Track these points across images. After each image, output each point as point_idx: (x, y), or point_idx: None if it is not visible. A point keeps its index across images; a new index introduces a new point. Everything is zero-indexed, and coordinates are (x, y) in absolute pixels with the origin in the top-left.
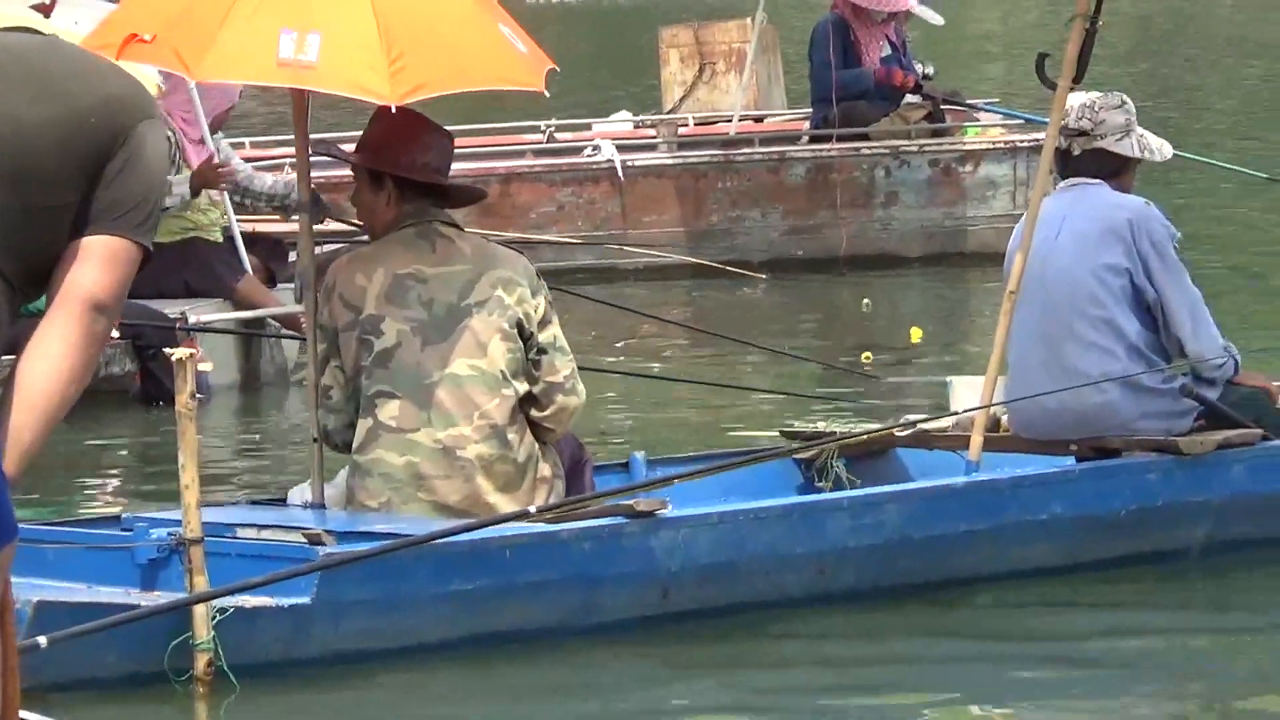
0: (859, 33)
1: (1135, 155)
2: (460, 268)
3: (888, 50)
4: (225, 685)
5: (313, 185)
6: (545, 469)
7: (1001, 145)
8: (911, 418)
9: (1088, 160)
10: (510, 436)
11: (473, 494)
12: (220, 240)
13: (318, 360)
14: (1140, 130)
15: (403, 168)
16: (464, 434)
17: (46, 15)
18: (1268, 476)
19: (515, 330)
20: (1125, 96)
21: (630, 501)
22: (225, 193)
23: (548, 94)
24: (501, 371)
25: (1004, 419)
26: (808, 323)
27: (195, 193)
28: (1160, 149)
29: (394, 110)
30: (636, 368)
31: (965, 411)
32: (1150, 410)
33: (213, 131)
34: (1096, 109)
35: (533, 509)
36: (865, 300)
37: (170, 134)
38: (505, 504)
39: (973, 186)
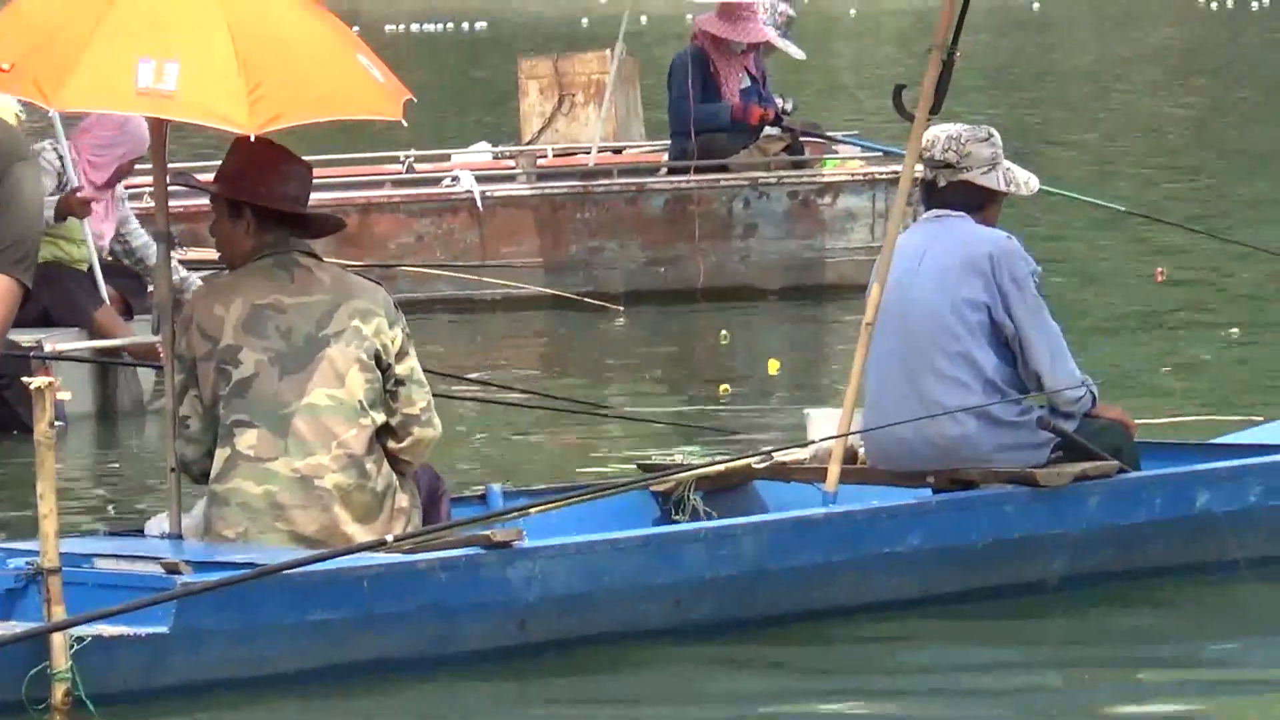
0: (718, 64)
1: (1001, 189)
2: (319, 298)
3: (747, 82)
4: (84, 715)
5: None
6: (403, 499)
7: (860, 177)
8: (768, 449)
9: (953, 192)
10: (368, 466)
11: (330, 524)
12: (84, 270)
13: (176, 390)
14: (1007, 163)
15: (261, 197)
16: (322, 463)
17: None
18: (1125, 508)
19: (373, 361)
20: (993, 129)
21: (487, 532)
22: (87, 225)
23: (405, 123)
24: (360, 402)
25: (861, 451)
26: (666, 354)
27: (59, 217)
28: (1027, 182)
29: (252, 140)
30: (494, 397)
31: (822, 440)
32: (1007, 442)
33: (117, 179)
34: (963, 141)
35: (390, 538)
36: (724, 332)
37: (55, 160)
38: (363, 534)
39: (831, 218)
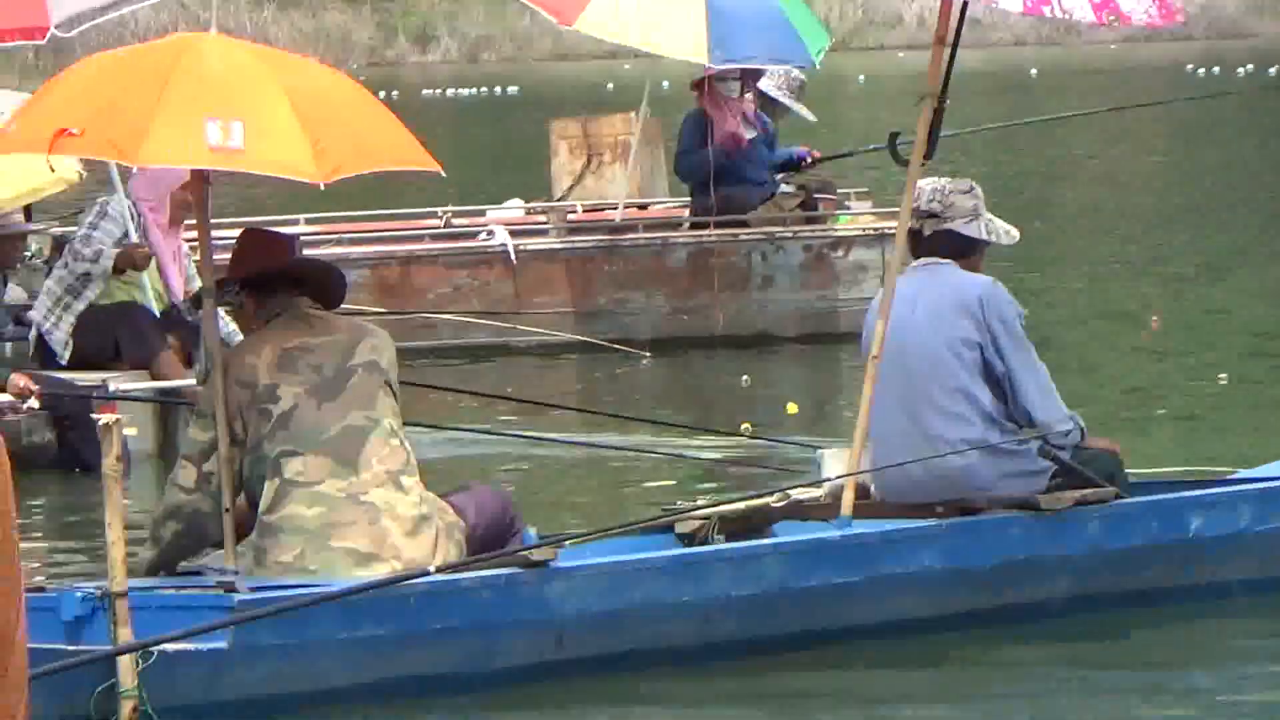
0: (716, 118)
1: (982, 238)
2: (339, 336)
3: (753, 132)
4: None
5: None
6: (449, 515)
7: (871, 232)
8: (785, 488)
9: (938, 241)
10: (405, 481)
11: (380, 537)
12: (156, 311)
13: (205, 445)
14: (988, 215)
15: (249, 268)
16: (365, 480)
17: None
18: (1123, 532)
19: (393, 390)
20: (974, 182)
21: (525, 550)
22: (145, 277)
23: (444, 174)
24: (389, 424)
25: (872, 488)
26: (690, 398)
27: (118, 270)
28: (1008, 232)
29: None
30: (530, 439)
31: (836, 479)
32: (1009, 471)
33: (178, 215)
34: (946, 192)
35: (432, 569)
36: (744, 376)
37: (121, 211)
38: (411, 546)
39: (844, 270)
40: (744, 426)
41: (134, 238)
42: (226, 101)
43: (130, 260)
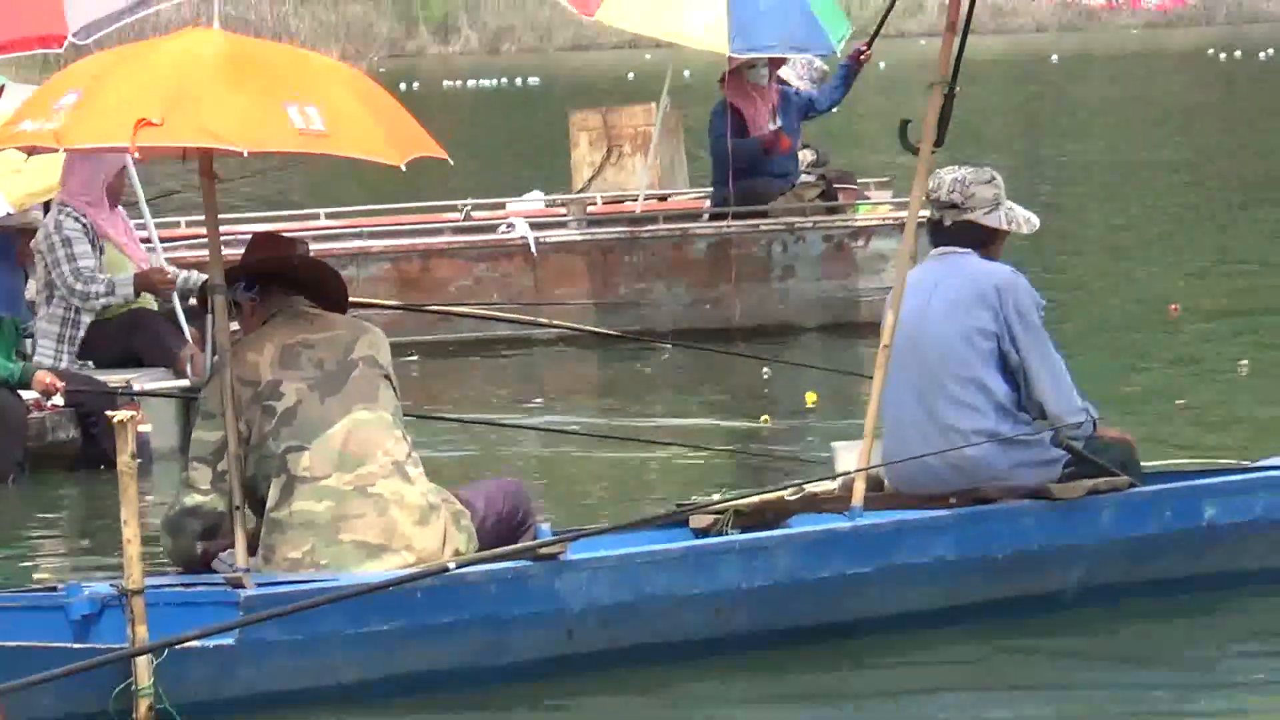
0: (744, 109)
1: (1003, 227)
2: (339, 332)
3: (777, 122)
4: None
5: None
6: (455, 504)
7: (890, 221)
8: (799, 481)
9: (958, 231)
10: (411, 471)
11: (390, 526)
12: (168, 314)
13: (215, 445)
14: (1009, 203)
15: (251, 268)
16: (372, 471)
17: None
18: (1137, 521)
19: (392, 384)
20: (994, 171)
21: (534, 544)
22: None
23: (451, 163)
24: (391, 416)
25: (885, 479)
26: (711, 388)
27: (137, 293)
28: (1029, 220)
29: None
30: (549, 431)
31: (850, 473)
32: (1022, 460)
33: (115, 201)
34: (967, 183)
35: (451, 565)
36: (765, 368)
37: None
38: (421, 535)
39: (864, 260)
40: (763, 419)
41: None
42: (296, 86)
43: (150, 284)
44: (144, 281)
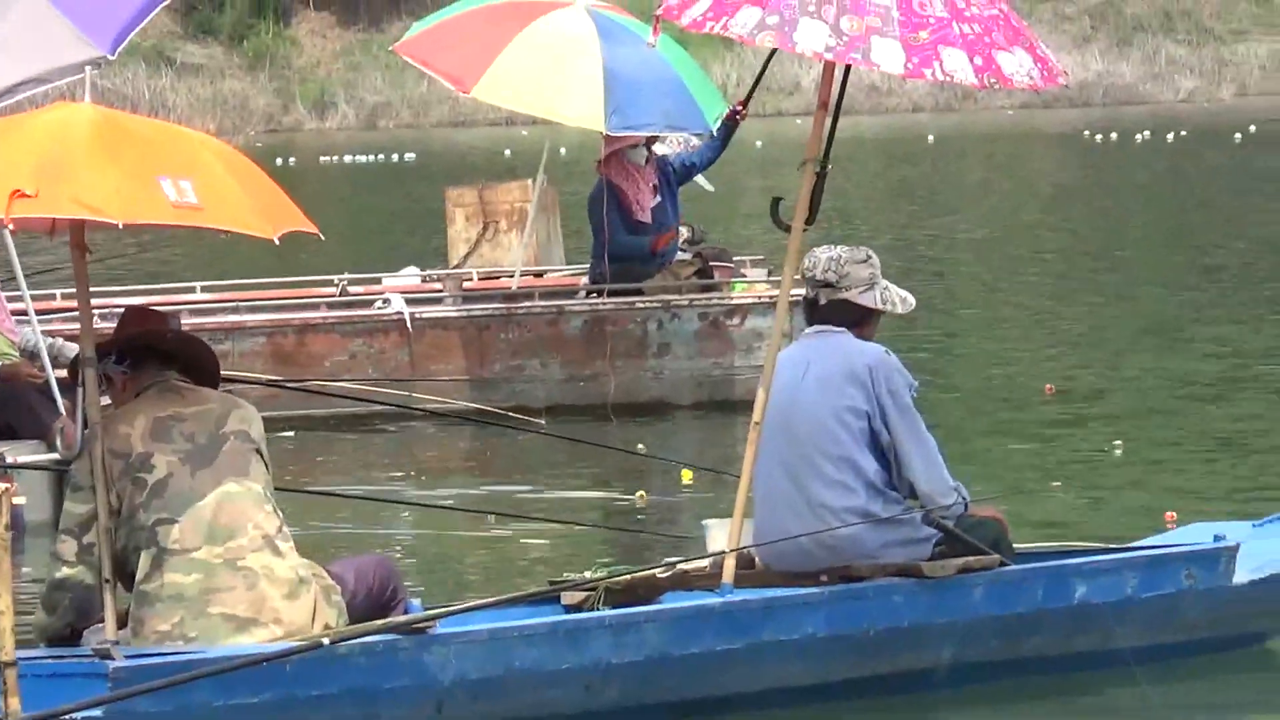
0: (625, 188)
1: (878, 307)
2: (210, 406)
3: (657, 198)
4: None
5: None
6: (326, 579)
7: (766, 299)
8: (672, 560)
9: (832, 310)
10: (281, 546)
11: (259, 600)
12: (42, 385)
13: (84, 517)
14: (884, 283)
15: (122, 340)
16: (242, 545)
17: None
18: (1008, 598)
19: (264, 459)
20: (870, 251)
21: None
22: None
23: (322, 236)
24: (262, 490)
25: (756, 557)
26: (586, 464)
27: (5, 381)
28: (904, 300)
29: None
30: (423, 507)
31: (722, 553)
32: (893, 539)
33: None
34: (842, 262)
35: (326, 640)
36: (640, 444)
37: None
38: (290, 609)
39: (739, 338)
40: (639, 495)
41: None
42: (170, 160)
43: (16, 376)
44: (10, 373)
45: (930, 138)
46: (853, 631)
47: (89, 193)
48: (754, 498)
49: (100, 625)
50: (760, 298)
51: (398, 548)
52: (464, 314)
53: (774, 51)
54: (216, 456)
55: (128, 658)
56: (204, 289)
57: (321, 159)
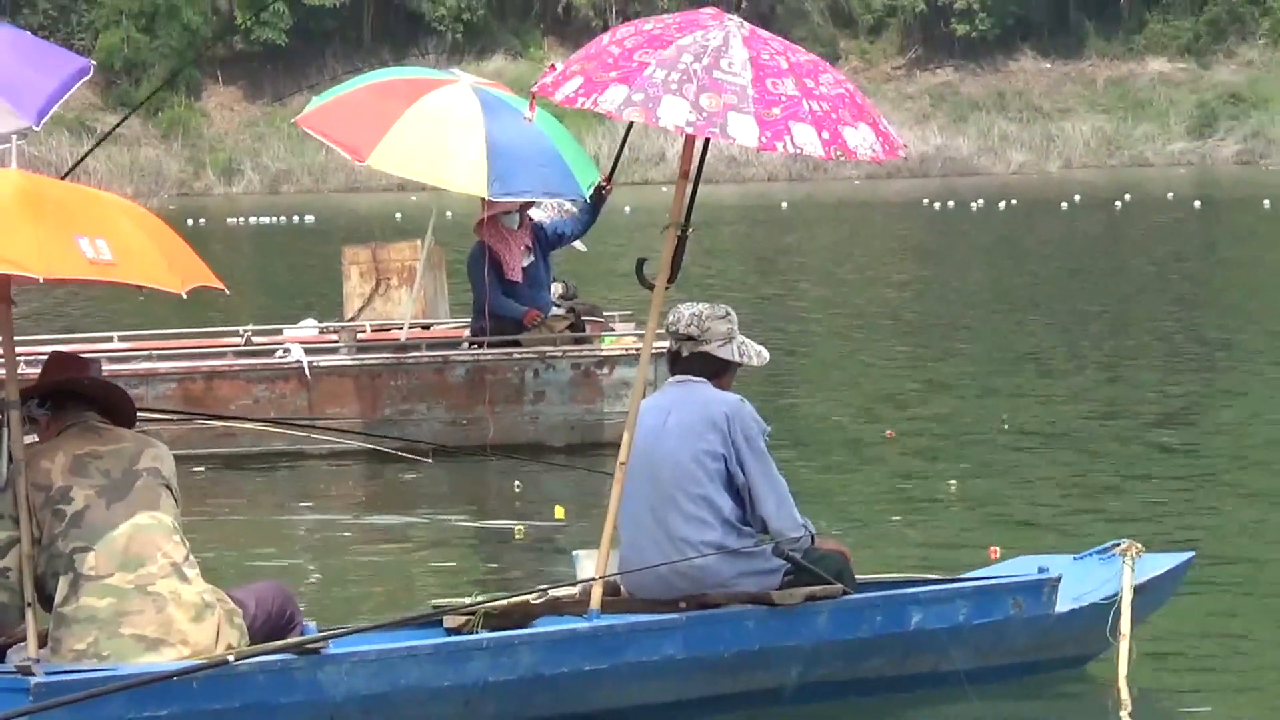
0: (500, 251)
1: (735, 360)
2: (126, 445)
3: (530, 259)
4: None
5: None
6: (229, 603)
7: (633, 351)
8: (544, 587)
9: (694, 362)
10: (188, 573)
11: (167, 622)
12: None
13: (12, 538)
14: (741, 338)
15: (45, 386)
16: (151, 572)
17: None
18: (849, 625)
19: (173, 494)
20: (729, 308)
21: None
22: None
23: (228, 291)
24: (171, 522)
25: (622, 586)
26: (468, 500)
27: None
28: (759, 354)
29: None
30: (318, 536)
31: (590, 581)
32: (746, 570)
33: None
34: (703, 318)
35: (231, 658)
36: (517, 482)
37: None
38: (196, 631)
39: (609, 386)
40: (517, 530)
41: None
42: (88, 221)
43: None
44: None
45: (784, 204)
46: (708, 654)
47: (13, 249)
48: (619, 532)
49: (23, 644)
50: (628, 350)
51: (294, 573)
52: (358, 362)
53: (631, 125)
54: (130, 491)
55: (48, 674)
56: (121, 338)
57: (229, 220)
